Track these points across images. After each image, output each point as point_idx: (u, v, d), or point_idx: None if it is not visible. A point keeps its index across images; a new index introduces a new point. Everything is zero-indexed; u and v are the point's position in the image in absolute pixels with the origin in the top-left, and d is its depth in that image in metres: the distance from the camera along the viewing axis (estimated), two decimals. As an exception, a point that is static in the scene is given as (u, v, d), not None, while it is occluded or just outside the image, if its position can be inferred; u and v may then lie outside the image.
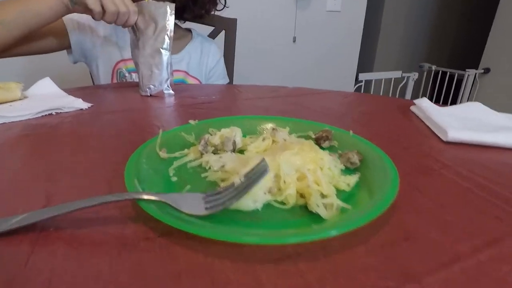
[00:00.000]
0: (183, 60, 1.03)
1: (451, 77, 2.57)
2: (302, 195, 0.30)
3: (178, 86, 0.86)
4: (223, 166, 0.34)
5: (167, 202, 0.27)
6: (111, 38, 0.96)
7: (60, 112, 0.60)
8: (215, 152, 0.40)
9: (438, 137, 0.51)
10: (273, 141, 0.39)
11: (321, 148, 0.43)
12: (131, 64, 0.96)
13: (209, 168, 0.35)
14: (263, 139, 0.39)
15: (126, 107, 0.65)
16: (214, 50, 1.12)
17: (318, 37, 2.05)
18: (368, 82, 2.37)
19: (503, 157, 0.44)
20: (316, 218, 0.28)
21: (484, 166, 0.41)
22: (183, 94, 0.78)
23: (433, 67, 2.74)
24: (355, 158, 0.37)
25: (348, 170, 0.37)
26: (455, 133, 0.48)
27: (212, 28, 1.22)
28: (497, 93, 2.35)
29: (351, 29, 2.13)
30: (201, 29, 1.15)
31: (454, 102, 2.60)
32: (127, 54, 0.96)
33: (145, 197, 0.26)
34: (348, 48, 2.19)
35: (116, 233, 0.26)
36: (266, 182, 0.30)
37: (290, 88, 0.89)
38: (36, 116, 0.58)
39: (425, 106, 0.61)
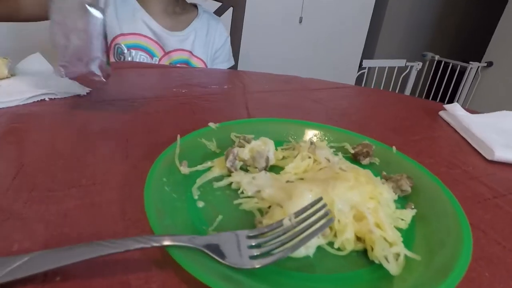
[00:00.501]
0: (188, 39, 0.95)
1: (453, 68, 2.53)
2: (359, 238, 0.25)
3: (184, 71, 0.79)
4: (259, 192, 0.29)
5: (203, 250, 0.21)
6: (109, 9, 0.86)
7: (54, 98, 0.53)
8: (243, 167, 0.34)
9: (479, 153, 0.46)
10: (314, 160, 0.34)
11: (361, 165, 0.38)
12: (131, 39, 0.87)
13: (241, 192, 0.30)
14: (303, 158, 0.33)
15: (129, 95, 0.58)
16: (221, 29, 1.03)
17: (325, 19, 1.95)
18: (370, 69, 2.31)
19: (554, 183, 0.40)
20: (378, 269, 0.23)
21: (539, 196, 0.37)
22: (190, 81, 0.70)
23: (436, 57, 2.69)
24: (407, 186, 0.32)
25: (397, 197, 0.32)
26: (502, 153, 0.43)
27: (219, 4, 1.12)
28: (498, 88, 2.33)
29: (359, 14, 2.04)
30: (206, 5, 1.05)
31: (454, 94, 2.58)
32: (127, 27, 0.87)
33: (177, 243, 0.21)
34: (355, 33, 2.11)
35: (139, 285, 0.21)
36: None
37: (303, 79, 0.82)
38: (26, 102, 0.50)
39: (459, 115, 0.56)
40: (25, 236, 0.24)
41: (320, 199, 0.24)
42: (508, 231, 0.30)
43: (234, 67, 1.12)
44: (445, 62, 2.61)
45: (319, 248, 0.25)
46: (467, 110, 0.61)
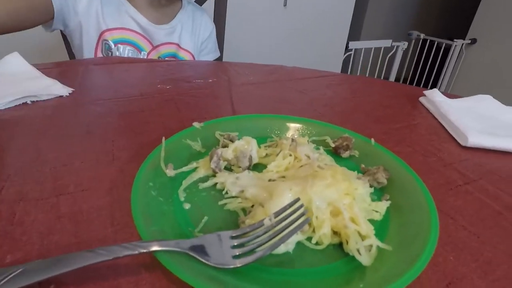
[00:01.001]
0: (175, 31, 0.93)
1: (438, 46, 2.55)
2: (335, 232, 0.27)
3: (170, 64, 0.78)
4: (242, 192, 0.31)
5: (190, 253, 0.23)
6: (94, 3, 0.84)
7: (37, 101, 0.53)
8: (228, 167, 0.36)
9: (455, 139, 0.48)
10: (295, 157, 0.35)
11: (341, 158, 0.39)
12: (118, 34, 0.86)
13: (226, 192, 0.31)
14: (284, 157, 0.34)
15: (113, 94, 0.58)
16: (206, 20, 1.02)
17: (310, 1, 1.93)
18: (357, 51, 2.31)
19: (523, 166, 0.43)
20: (353, 260, 0.25)
21: (508, 180, 0.39)
22: (174, 76, 0.70)
23: (422, 36, 2.70)
24: (383, 178, 0.34)
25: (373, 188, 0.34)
26: (475, 139, 0.45)
27: (200, -8, 1.10)
28: (482, 64, 2.36)
29: (344, -6, 2.02)
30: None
31: (439, 72, 2.60)
32: (113, 22, 0.85)
33: (164, 248, 0.22)
34: (340, 15, 2.10)
35: (130, 289, 0.22)
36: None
37: (287, 68, 0.83)
38: (8, 106, 0.50)
39: (438, 101, 0.58)
40: (17, 247, 0.25)
41: (297, 199, 0.26)
42: (475, 216, 0.32)
43: (219, 56, 1.12)
44: (430, 41, 2.63)
45: (299, 244, 0.26)
46: (447, 94, 0.63)
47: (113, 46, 0.87)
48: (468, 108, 0.57)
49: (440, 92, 0.61)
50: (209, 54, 1.06)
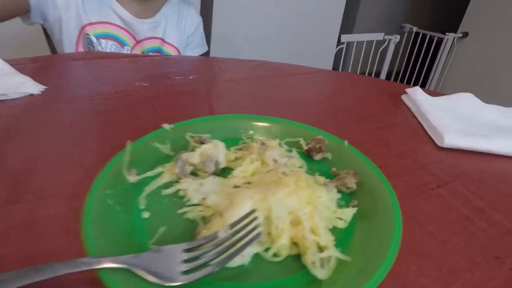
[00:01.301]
0: (159, 25, 0.91)
1: (431, 40, 2.54)
2: (295, 243, 0.26)
3: (152, 60, 0.76)
4: (204, 199, 0.30)
5: (133, 270, 0.22)
6: None
7: (5, 100, 0.51)
8: (194, 171, 0.35)
9: (432, 140, 0.48)
10: (263, 162, 0.34)
11: (313, 161, 0.39)
12: (100, 28, 0.83)
13: (188, 200, 0.31)
14: (251, 161, 0.33)
15: (88, 92, 0.56)
16: (193, 13, 1.00)
17: (301, -6, 1.90)
18: (349, 44, 2.29)
19: (497, 168, 0.42)
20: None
21: (480, 182, 0.39)
22: (154, 72, 0.69)
23: (414, 29, 2.68)
24: (352, 183, 0.33)
25: (342, 193, 0.33)
26: (451, 139, 0.45)
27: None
28: (473, 58, 2.36)
29: (336, -13, 1.99)
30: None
31: (431, 66, 2.60)
32: (95, 16, 0.83)
33: (105, 265, 0.22)
34: (332, 8, 2.07)
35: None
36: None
37: (273, 64, 0.81)
38: (-25, 106, 0.48)
39: (419, 99, 0.57)
40: (-38, 261, 0.24)
41: (253, 211, 0.25)
42: (443, 221, 0.32)
43: (207, 51, 1.10)
44: (423, 34, 2.61)
45: (256, 256, 0.26)
46: (430, 92, 0.62)
47: (95, 40, 0.84)
48: (448, 106, 0.57)
49: (424, 89, 0.61)
50: (196, 48, 1.04)
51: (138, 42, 0.90)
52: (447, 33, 2.43)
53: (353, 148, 0.39)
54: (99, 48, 0.85)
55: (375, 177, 0.34)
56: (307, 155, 0.39)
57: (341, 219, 0.29)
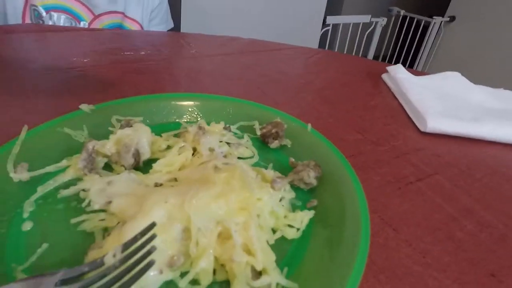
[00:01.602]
0: (118, 2, 0.81)
1: (418, 23, 2.48)
2: (224, 265, 0.19)
3: (110, 35, 0.66)
4: (109, 203, 0.22)
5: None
6: None
7: None
8: (109, 164, 0.27)
9: (414, 124, 0.41)
10: (195, 151, 0.27)
11: (269, 149, 0.31)
12: (50, 0, 0.72)
13: (88, 204, 0.23)
14: (180, 151, 0.26)
15: (14, 71, 0.47)
16: None
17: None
18: (335, 26, 2.21)
19: (488, 156, 0.36)
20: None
21: (468, 174, 0.32)
22: (104, 46, 0.59)
23: (402, 12, 2.61)
24: (311, 178, 0.26)
25: (300, 191, 0.26)
26: (435, 123, 0.38)
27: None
28: (460, 42, 2.32)
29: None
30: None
31: (417, 50, 2.55)
32: None
33: None
34: (316, -14, 1.97)
35: None
36: (164, 250, 0.18)
37: (244, 40, 0.73)
38: None
39: (400, 78, 0.50)
40: None
41: (151, 225, 0.18)
42: (424, 226, 0.25)
43: (177, 28, 0.99)
44: (410, 18, 2.55)
45: (169, 284, 0.18)
46: (414, 71, 0.55)
47: (44, 13, 0.73)
48: (432, 86, 0.50)
49: (408, 69, 0.54)
50: (160, 24, 0.94)
51: (96, 16, 0.79)
52: (434, 17, 2.37)
53: (318, 133, 0.32)
54: (50, 22, 0.74)
55: (341, 169, 0.27)
56: (262, 142, 0.32)
57: (292, 226, 0.22)
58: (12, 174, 0.24)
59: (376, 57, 2.62)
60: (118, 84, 0.45)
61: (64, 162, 0.27)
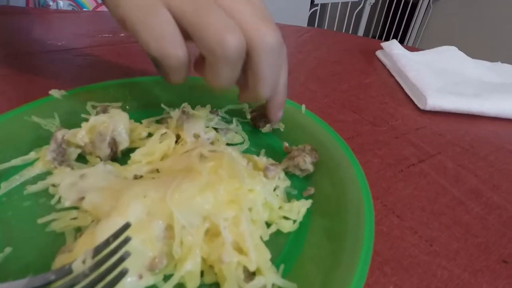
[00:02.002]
0: None
1: (406, 1, 2.44)
2: (213, 266, 0.17)
3: (89, 17, 0.62)
4: (82, 199, 0.19)
5: None
6: None
7: None
8: (83, 155, 0.24)
9: (413, 102, 0.39)
10: (179, 138, 0.24)
11: (260, 133, 0.29)
12: None
13: (58, 201, 0.20)
14: (161, 139, 0.23)
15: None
16: None
17: None
18: (323, 6, 2.15)
19: (491, 133, 0.34)
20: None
21: (473, 153, 0.30)
22: (94, 26, 0.55)
23: (390, -10, 2.57)
24: (307, 163, 0.23)
25: (296, 178, 0.24)
26: (435, 100, 0.36)
27: None
28: (449, 20, 2.30)
29: None
30: None
31: (407, 28, 2.52)
32: None
33: None
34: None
35: None
36: (143, 252, 0.16)
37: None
38: None
39: (395, 54, 0.48)
40: None
41: (125, 226, 0.15)
42: (429, 211, 0.23)
43: None
44: (398, -4, 2.51)
45: (150, 290, 0.16)
46: (409, 48, 0.53)
47: (51, 2, 0.68)
48: (429, 61, 0.48)
49: (402, 45, 0.51)
50: None
51: (99, 4, 0.74)
52: (422, -5, 2.34)
53: (313, 114, 0.29)
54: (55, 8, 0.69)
55: (339, 153, 0.24)
56: (253, 126, 0.30)
57: (288, 218, 0.20)
58: (-30, 171, 0.21)
59: (365, 37, 2.58)
60: (93, 67, 0.41)
61: (32, 155, 0.24)
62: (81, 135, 0.23)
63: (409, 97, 0.40)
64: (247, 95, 0.22)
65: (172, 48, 0.18)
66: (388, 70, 0.48)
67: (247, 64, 0.20)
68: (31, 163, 0.23)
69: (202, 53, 0.19)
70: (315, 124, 0.28)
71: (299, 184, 0.24)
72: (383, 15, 2.64)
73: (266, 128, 0.29)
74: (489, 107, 0.36)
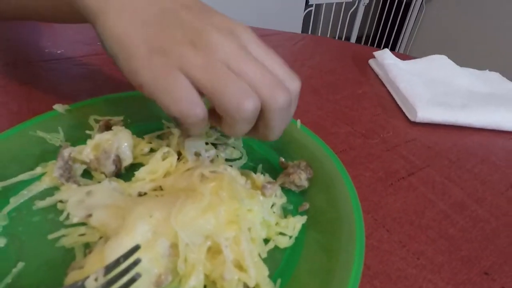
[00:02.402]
0: None
1: (400, 2, 2.46)
2: (215, 282, 0.18)
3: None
4: (89, 216, 0.20)
5: None
6: None
7: None
8: (89, 171, 0.25)
9: (403, 113, 0.41)
10: (180, 155, 0.25)
11: (256, 146, 0.30)
12: None
13: (67, 217, 0.21)
14: (163, 157, 0.24)
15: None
16: None
17: None
18: (318, 7, 2.17)
19: (476, 144, 0.36)
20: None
21: (459, 165, 0.32)
22: (92, 33, 0.55)
23: (383, -10, 2.59)
24: (303, 180, 0.25)
25: (292, 192, 0.25)
26: (425, 113, 0.38)
27: None
28: (441, 21, 2.32)
29: None
30: None
31: (400, 29, 2.54)
32: None
33: None
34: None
35: None
36: (150, 269, 0.17)
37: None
38: None
39: (387, 64, 0.49)
40: None
41: (135, 248, 0.16)
42: (417, 224, 0.25)
43: None
44: (392, -4, 2.53)
45: (155, 306, 0.17)
46: (400, 55, 0.55)
47: None
48: (420, 71, 0.50)
49: (394, 52, 0.53)
50: None
51: None
52: (415, -5, 2.36)
53: (307, 130, 0.30)
54: None
55: (333, 168, 0.26)
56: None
57: (284, 234, 0.21)
58: (-20, 187, 0.22)
59: (359, 37, 2.61)
60: (93, 78, 0.42)
61: (38, 170, 0.25)
62: (86, 153, 0.24)
63: (400, 108, 0.42)
64: (255, 135, 0.23)
65: (191, 109, 0.19)
66: (380, 80, 0.50)
67: (260, 115, 0.21)
68: (38, 178, 0.24)
69: (220, 114, 0.20)
70: (309, 139, 0.29)
71: (295, 199, 0.25)
72: (377, 15, 2.66)
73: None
74: (475, 119, 0.38)
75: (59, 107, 0.30)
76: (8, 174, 0.24)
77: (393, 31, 2.60)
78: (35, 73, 0.42)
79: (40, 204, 0.22)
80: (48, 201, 0.22)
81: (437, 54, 0.54)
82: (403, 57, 0.55)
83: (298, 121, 0.31)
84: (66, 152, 0.23)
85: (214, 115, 0.21)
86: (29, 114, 0.31)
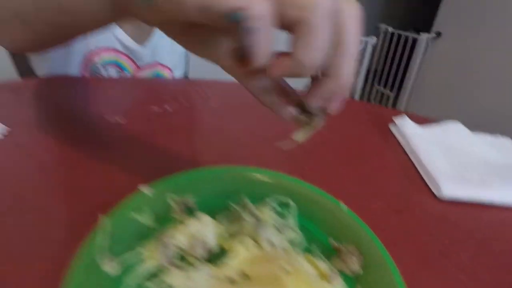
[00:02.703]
0: (157, 48, 0.81)
1: (407, 39, 2.58)
2: None
3: (122, 86, 0.69)
4: (194, 301, 0.26)
5: None
6: None
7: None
8: (183, 257, 0.30)
9: (427, 186, 0.46)
10: (258, 244, 0.31)
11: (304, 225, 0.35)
12: (107, 56, 0.74)
13: (175, 301, 0.27)
14: (246, 247, 0.30)
15: (53, 135, 0.50)
16: None
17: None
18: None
19: (497, 223, 0.41)
20: None
21: (482, 245, 0.37)
22: (143, 95, 0.62)
23: (390, 29, 2.72)
24: (355, 265, 0.30)
25: (344, 274, 0.30)
26: (449, 191, 0.43)
27: None
28: (447, 58, 2.38)
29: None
30: None
31: (407, 67, 2.63)
32: (98, 41, 0.71)
33: None
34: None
35: None
36: None
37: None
38: None
39: (409, 133, 0.55)
40: None
41: None
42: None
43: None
44: (398, 34, 2.66)
45: None
46: (416, 118, 0.60)
47: (102, 69, 0.76)
48: (438, 139, 0.56)
49: (410, 114, 0.59)
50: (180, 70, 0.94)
51: (140, 69, 0.82)
52: (421, 33, 2.47)
53: (353, 214, 0.35)
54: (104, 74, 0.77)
55: (380, 256, 0.31)
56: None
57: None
58: (105, 267, 0.27)
59: (367, 71, 2.71)
60: (153, 148, 0.48)
61: (140, 250, 0.30)
62: (181, 240, 0.30)
63: (423, 180, 0.47)
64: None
65: None
66: (402, 147, 0.56)
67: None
68: (140, 261, 0.30)
69: (291, 20, 0.19)
70: (356, 225, 0.34)
71: (349, 283, 0.30)
72: (384, 52, 2.77)
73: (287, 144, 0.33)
74: (497, 195, 0.43)
75: (144, 188, 0.35)
76: (114, 252, 0.29)
77: (400, 67, 2.69)
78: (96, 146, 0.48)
79: (149, 284, 0.28)
80: (157, 282, 0.28)
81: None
82: (420, 120, 0.61)
83: (342, 204, 0.36)
84: (168, 240, 0.29)
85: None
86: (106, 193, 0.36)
